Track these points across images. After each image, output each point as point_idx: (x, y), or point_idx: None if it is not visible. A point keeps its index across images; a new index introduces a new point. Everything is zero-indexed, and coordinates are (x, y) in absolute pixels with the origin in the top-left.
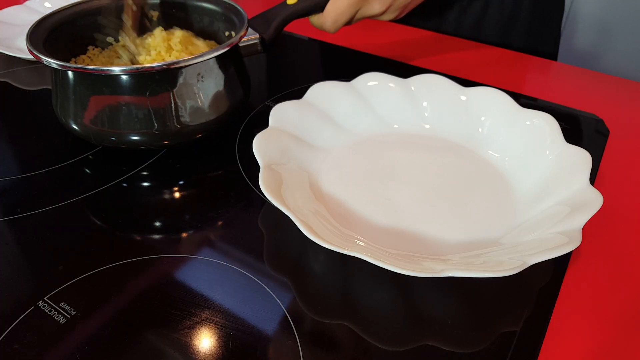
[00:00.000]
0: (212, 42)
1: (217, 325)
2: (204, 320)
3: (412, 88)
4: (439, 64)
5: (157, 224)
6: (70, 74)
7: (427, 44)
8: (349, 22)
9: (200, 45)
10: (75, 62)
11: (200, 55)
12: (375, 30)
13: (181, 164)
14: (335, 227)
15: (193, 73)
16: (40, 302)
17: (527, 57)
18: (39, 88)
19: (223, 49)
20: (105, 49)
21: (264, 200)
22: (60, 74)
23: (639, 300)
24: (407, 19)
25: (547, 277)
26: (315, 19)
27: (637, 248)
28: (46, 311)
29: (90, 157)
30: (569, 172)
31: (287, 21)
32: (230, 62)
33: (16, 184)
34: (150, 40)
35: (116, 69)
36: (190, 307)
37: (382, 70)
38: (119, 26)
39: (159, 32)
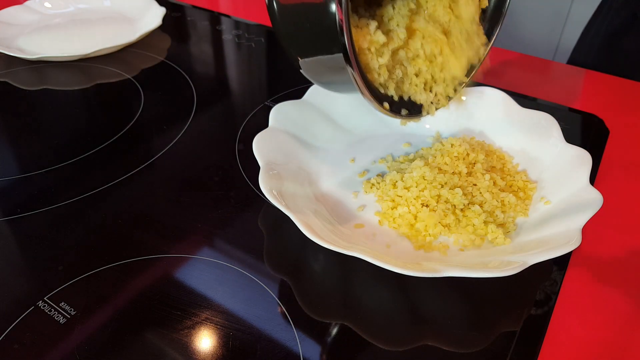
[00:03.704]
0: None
1: (217, 325)
2: (204, 320)
3: None
4: None
5: (157, 224)
6: None
7: None
8: None
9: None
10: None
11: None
12: None
13: (181, 164)
14: (335, 227)
15: None
16: (40, 302)
17: (527, 57)
18: (39, 88)
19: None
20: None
21: (264, 200)
22: None
23: (638, 300)
24: None
25: (547, 277)
26: None
27: (637, 248)
28: (46, 311)
29: (90, 157)
30: (569, 172)
31: None
32: None
33: (16, 184)
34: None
35: None
36: (190, 307)
37: None
38: None
39: None
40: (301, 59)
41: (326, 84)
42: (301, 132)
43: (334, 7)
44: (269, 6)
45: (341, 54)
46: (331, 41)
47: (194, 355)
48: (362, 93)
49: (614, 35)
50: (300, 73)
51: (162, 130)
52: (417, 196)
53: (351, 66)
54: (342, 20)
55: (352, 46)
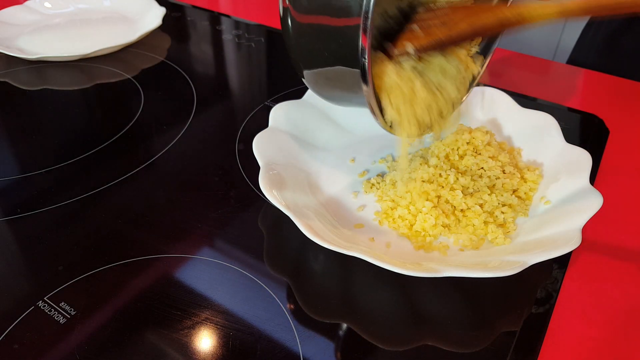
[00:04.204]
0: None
1: (217, 325)
2: (204, 320)
3: None
4: None
5: (157, 224)
6: None
7: None
8: None
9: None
10: None
11: None
12: None
13: (181, 164)
14: (335, 227)
15: None
16: (40, 302)
17: (527, 57)
18: (39, 88)
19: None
20: None
21: (264, 200)
22: None
23: (638, 300)
24: None
25: (547, 277)
26: None
27: (637, 248)
28: (46, 311)
29: (90, 157)
30: (569, 172)
31: None
32: None
33: (16, 184)
34: None
35: None
36: (190, 307)
37: None
38: None
39: None
40: (308, 70)
41: (330, 98)
42: (301, 132)
43: (357, 30)
44: (283, 19)
45: (359, 75)
46: (349, 61)
47: (194, 355)
48: (374, 115)
49: (614, 35)
50: (297, 73)
51: (162, 130)
52: (416, 197)
53: (367, 86)
54: (364, 43)
55: (370, 69)
